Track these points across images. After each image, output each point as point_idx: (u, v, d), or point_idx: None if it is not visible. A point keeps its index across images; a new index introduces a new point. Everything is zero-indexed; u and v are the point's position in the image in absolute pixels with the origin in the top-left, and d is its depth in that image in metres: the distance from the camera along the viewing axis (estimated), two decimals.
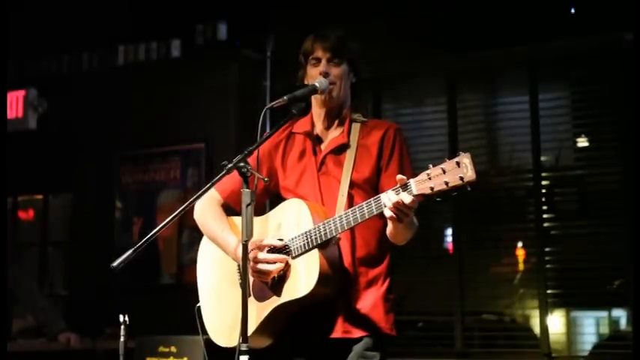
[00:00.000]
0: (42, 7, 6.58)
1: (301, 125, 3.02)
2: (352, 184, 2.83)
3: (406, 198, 2.48)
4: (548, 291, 5.43)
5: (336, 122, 2.97)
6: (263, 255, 2.77)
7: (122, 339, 3.41)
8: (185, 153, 6.17)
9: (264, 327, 2.80)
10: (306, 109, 2.93)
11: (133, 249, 2.44)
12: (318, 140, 2.97)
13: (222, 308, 2.95)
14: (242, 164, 2.55)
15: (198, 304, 3.01)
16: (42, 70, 6.85)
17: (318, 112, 2.99)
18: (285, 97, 2.79)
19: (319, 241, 2.70)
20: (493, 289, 5.76)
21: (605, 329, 5.81)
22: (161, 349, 4.46)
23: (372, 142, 2.90)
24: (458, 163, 2.38)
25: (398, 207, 2.50)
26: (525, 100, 5.63)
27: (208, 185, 2.61)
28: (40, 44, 6.75)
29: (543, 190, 5.58)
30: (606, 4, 5.17)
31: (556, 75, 5.76)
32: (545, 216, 5.53)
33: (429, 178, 2.43)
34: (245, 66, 6.14)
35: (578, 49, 5.48)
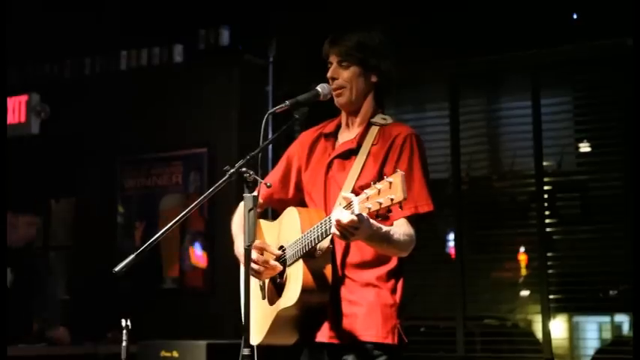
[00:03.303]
0: (44, 12, 6.59)
1: (329, 126, 3.01)
2: (354, 193, 2.76)
3: (345, 217, 2.42)
4: (551, 296, 5.43)
5: (356, 124, 2.92)
6: (255, 255, 2.77)
7: (124, 343, 3.42)
8: (187, 158, 6.18)
9: (275, 329, 2.83)
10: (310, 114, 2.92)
11: (135, 254, 2.45)
12: (334, 142, 2.96)
13: (251, 308, 2.98)
14: (244, 169, 2.55)
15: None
16: (44, 75, 6.85)
17: (343, 114, 2.97)
18: (287, 102, 2.79)
19: (303, 251, 2.70)
20: (495, 293, 5.75)
21: (607, 334, 5.81)
22: (163, 353, 4.46)
23: (380, 148, 2.82)
24: (390, 184, 2.33)
25: (341, 225, 2.44)
26: (528, 105, 5.63)
27: (211, 190, 2.62)
28: (42, 49, 6.76)
29: (545, 195, 5.58)
30: (609, 10, 5.17)
31: (558, 80, 5.76)
32: (547, 221, 5.53)
33: (367, 198, 2.38)
34: (247, 71, 6.15)
35: (581, 54, 5.48)
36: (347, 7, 5.69)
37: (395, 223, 2.71)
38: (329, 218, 2.56)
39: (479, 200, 5.91)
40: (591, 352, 5.55)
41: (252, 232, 2.48)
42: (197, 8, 6.20)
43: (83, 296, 6.30)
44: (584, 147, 5.76)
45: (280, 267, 2.79)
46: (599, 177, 5.58)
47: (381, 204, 2.34)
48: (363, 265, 2.78)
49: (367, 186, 2.71)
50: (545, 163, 5.60)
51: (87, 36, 6.60)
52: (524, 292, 5.70)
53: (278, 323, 2.81)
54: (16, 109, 6.52)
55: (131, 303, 5.44)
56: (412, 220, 2.73)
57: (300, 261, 2.71)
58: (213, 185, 2.62)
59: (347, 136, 2.94)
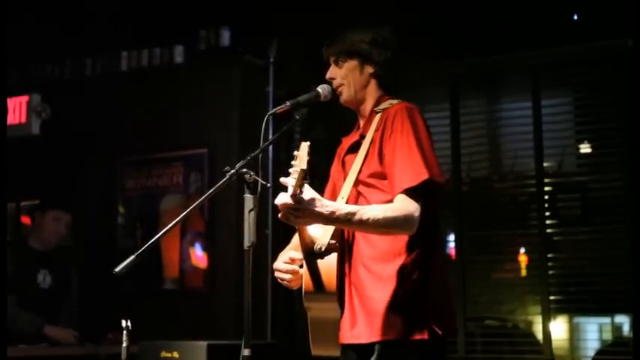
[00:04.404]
0: (45, 12, 6.59)
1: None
2: (357, 182, 2.77)
3: (279, 199, 2.45)
4: (551, 297, 5.43)
5: (366, 119, 2.93)
6: (277, 264, 2.84)
7: (124, 344, 3.42)
8: (188, 158, 6.17)
9: (313, 335, 2.80)
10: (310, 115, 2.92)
11: (135, 254, 2.45)
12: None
13: None
14: (244, 170, 2.55)
15: None
16: (45, 76, 6.85)
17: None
18: (287, 103, 2.80)
19: (304, 253, 2.71)
20: (495, 294, 5.76)
21: (608, 335, 5.81)
22: (163, 354, 4.45)
23: (377, 131, 2.79)
24: (297, 156, 2.40)
25: (279, 209, 2.46)
26: (528, 106, 5.63)
27: (211, 191, 2.62)
28: (43, 50, 6.77)
29: (546, 196, 5.58)
30: (609, 11, 5.17)
31: (559, 81, 5.76)
32: (547, 222, 5.53)
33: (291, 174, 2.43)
34: (248, 72, 6.15)
35: (581, 55, 5.49)
36: (347, 8, 5.69)
37: (394, 199, 2.63)
38: None
39: (479, 201, 5.92)
40: (592, 352, 5.56)
41: (252, 233, 2.48)
42: (197, 9, 6.20)
43: (83, 297, 6.29)
44: (585, 148, 5.76)
45: (292, 268, 2.82)
46: (600, 178, 5.58)
47: (296, 179, 2.37)
48: (381, 258, 2.69)
49: (373, 173, 2.72)
50: (545, 164, 5.60)
51: (87, 36, 6.60)
52: (525, 293, 5.70)
53: (313, 330, 2.79)
54: (17, 109, 6.51)
55: (131, 303, 5.44)
56: (412, 193, 2.62)
57: (304, 266, 2.71)
58: (213, 186, 2.62)
59: (356, 133, 2.96)
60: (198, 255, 6.02)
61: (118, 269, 2.44)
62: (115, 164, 6.47)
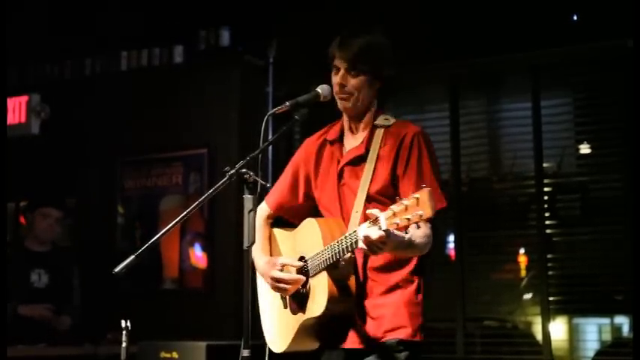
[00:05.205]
0: (44, 12, 6.59)
1: (332, 132, 3.02)
2: (370, 198, 2.80)
3: (374, 233, 2.45)
4: (550, 297, 5.42)
5: (360, 128, 2.94)
6: (279, 274, 2.85)
7: (124, 344, 3.42)
8: (187, 159, 6.17)
9: (300, 337, 2.88)
10: (310, 115, 2.92)
11: (134, 254, 2.45)
12: (341, 149, 2.96)
13: (271, 317, 3.05)
14: (244, 170, 2.56)
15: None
16: (45, 76, 6.85)
17: (345, 118, 2.98)
18: (287, 103, 2.80)
19: (327, 263, 2.72)
20: (495, 295, 5.76)
21: (607, 336, 5.80)
22: (163, 354, 4.45)
23: (390, 149, 2.84)
24: (417, 200, 2.37)
25: (369, 241, 2.47)
26: (528, 106, 5.63)
27: (210, 191, 2.62)
28: (42, 49, 6.76)
29: (545, 197, 5.57)
30: (609, 11, 5.17)
31: (558, 81, 5.76)
32: (547, 222, 5.52)
33: (394, 214, 2.41)
34: (247, 72, 6.15)
35: (581, 55, 5.48)
36: (347, 8, 5.69)
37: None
38: (354, 232, 2.58)
39: (479, 202, 5.91)
40: (591, 353, 5.55)
41: (251, 234, 2.49)
42: (197, 9, 6.20)
43: (83, 297, 6.29)
44: (585, 148, 5.75)
45: (303, 279, 2.84)
46: (599, 178, 5.58)
47: (409, 220, 2.39)
48: (387, 269, 2.82)
49: (382, 190, 2.78)
50: (545, 165, 5.60)
51: (87, 36, 6.60)
52: (524, 294, 5.70)
53: (303, 332, 2.86)
54: (16, 109, 6.51)
55: (131, 304, 5.44)
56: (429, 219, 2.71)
57: (324, 272, 2.74)
58: (213, 186, 2.63)
59: (353, 141, 2.95)
60: (198, 255, 6.02)
61: (117, 269, 2.44)
62: (115, 164, 6.47)
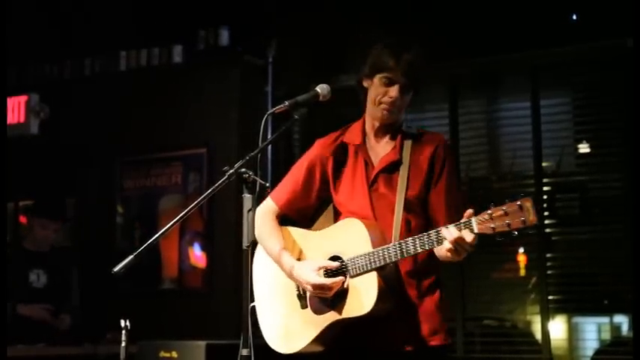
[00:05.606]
0: (44, 12, 6.59)
1: (352, 136, 3.01)
2: (406, 204, 2.84)
3: (468, 236, 2.54)
4: (550, 297, 5.43)
5: (388, 136, 2.97)
6: (322, 280, 2.81)
7: (123, 344, 3.42)
8: (187, 158, 6.17)
9: (321, 338, 2.87)
10: (309, 114, 2.91)
11: (134, 254, 2.45)
12: (369, 154, 2.96)
13: (281, 317, 3.01)
14: (243, 170, 2.55)
15: (252, 304, 3.02)
16: (44, 76, 6.85)
17: (371, 123, 2.99)
18: (286, 103, 2.79)
19: (379, 264, 2.73)
20: (494, 294, 5.76)
21: (606, 335, 5.82)
22: (162, 354, 4.45)
23: (423, 158, 2.90)
24: (520, 207, 2.49)
25: (459, 242, 2.55)
26: (527, 106, 5.63)
27: (210, 191, 2.62)
28: (42, 49, 6.76)
29: (545, 196, 5.58)
30: (608, 11, 5.17)
31: (558, 81, 5.77)
32: (546, 222, 5.53)
33: (491, 218, 2.50)
34: (247, 71, 6.15)
35: (580, 55, 5.49)
36: (346, 8, 5.70)
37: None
38: (435, 232, 2.62)
39: (477, 201, 5.89)
40: (590, 352, 5.56)
41: (251, 233, 2.49)
42: (196, 9, 6.20)
43: (82, 296, 6.29)
44: (584, 148, 5.76)
45: (342, 280, 2.81)
46: (599, 177, 5.59)
47: (509, 225, 2.49)
48: (418, 274, 2.86)
49: (416, 197, 2.85)
50: (544, 164, 5.60)
51: (86, 36, 6.60)
52: (524, 293, 5.70)
53: (328, 332, 2.85)
54: (16, 109, 6.51)
55: (130, 303, 5.44)
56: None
57: (373, 272, 2.74)
58: (212, 185, 2.62)
59: (379, 147, 2.97)
60: (197, 255, 6.02)
61: (116, 269, 2.44)
62: (114, 164, 6.47)
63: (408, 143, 2.92)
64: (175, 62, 6.30)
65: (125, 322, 3.45)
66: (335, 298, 2.82)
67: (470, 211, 2.55)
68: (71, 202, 6.67)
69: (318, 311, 2.87)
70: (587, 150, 5.75)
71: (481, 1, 5.62)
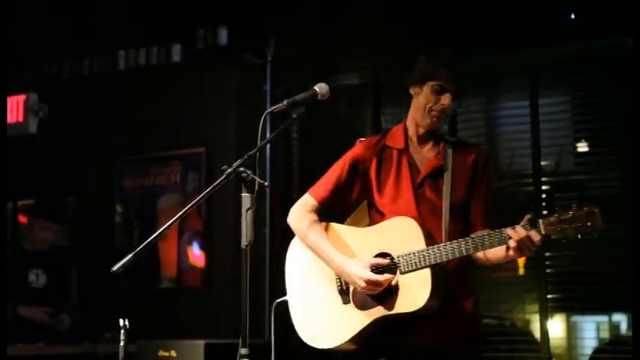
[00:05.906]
0: (43, 11, 6.59)
1: (395, 140, 3.09)
2: (451, 208, 2.93)
3: (535, 236, 2.64)
4: (549, 295, 5.43)
5: (432, 142, 3.06)
6: (375, 277, 2.83)
7: (122, 343, 3.41)
8: (185, 157, 6.18)
9: (362, 334, 2.90)
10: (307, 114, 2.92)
11: (132, 253, 2.45)
12: (412, 158, 3.03)
13: (321, 311, 3.02)
14: (242, 169, 2.56)
15: (277, 300, 3.08)
16: (42, 75, 6.85)
17: (415, 129, 3.08)
18: (284, 102, 2.80)
19: (433, 262, 2.78)
20: (493, 293, 5.75)
21: (605, 334, 5.80)
22: (161, 353, 4.46)
23: (466, 165, 3.01)
24: (588, 212, 2.58)
25: (524, 242, 2.64)
26: (526, 105, 5.63)
27: (208, 190, 2.62)
28: (40, 49, 6.76)
29: (543, 195, 5.58)
30: (607, 10, 5.17)
31: (557, 80, 5.76)
32: None
33: (559, 221, 2.61)
34: (245, 70, 6.15)
35: (579, 54, 5.48)
36: (344, 8, 5.69)
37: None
38: (498, 231, 2.72)
39: None
40: (589, 351, 5.56)
41: (250, 232, 2.49)
42: (195, 8, 6.20)
43: (81, 296, 6.29)
44: (583, 147, 5.75)
45: (393, 276, 2.84)
46: (598, 177, 5.58)
47: (577, 229, 2.60)
48: (462, 275, 2.95)
49: (460, 201, 2.96)
50: (543, 163, 5.60)
51: (85, 36, 6.59)
52: (523, 292, 5.70)
53: (372, 328, 2.88)
54: (14, 108, 6.52)
55: (129, 302, 5.44)
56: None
57: (426, 269, 2.79)
58: (211, 185, 2.63)
59: (422, 152, 3.06)
60: (196, 254, 6.02)
61: (115, 268, 2.45)
62: (113, 163, 6.47)
63: (449, 150, 3.02)
64: (174, 62, 6.30)
65: (124, 321, 3.45)
66: (383, 295, 2.85)
67: (528, 216, 2.66)
68: (70, 202, 6.67)
69: (363, 307, 2.90)
70: (586, 149, 5.75)
71: (480, 0, 5.62)
